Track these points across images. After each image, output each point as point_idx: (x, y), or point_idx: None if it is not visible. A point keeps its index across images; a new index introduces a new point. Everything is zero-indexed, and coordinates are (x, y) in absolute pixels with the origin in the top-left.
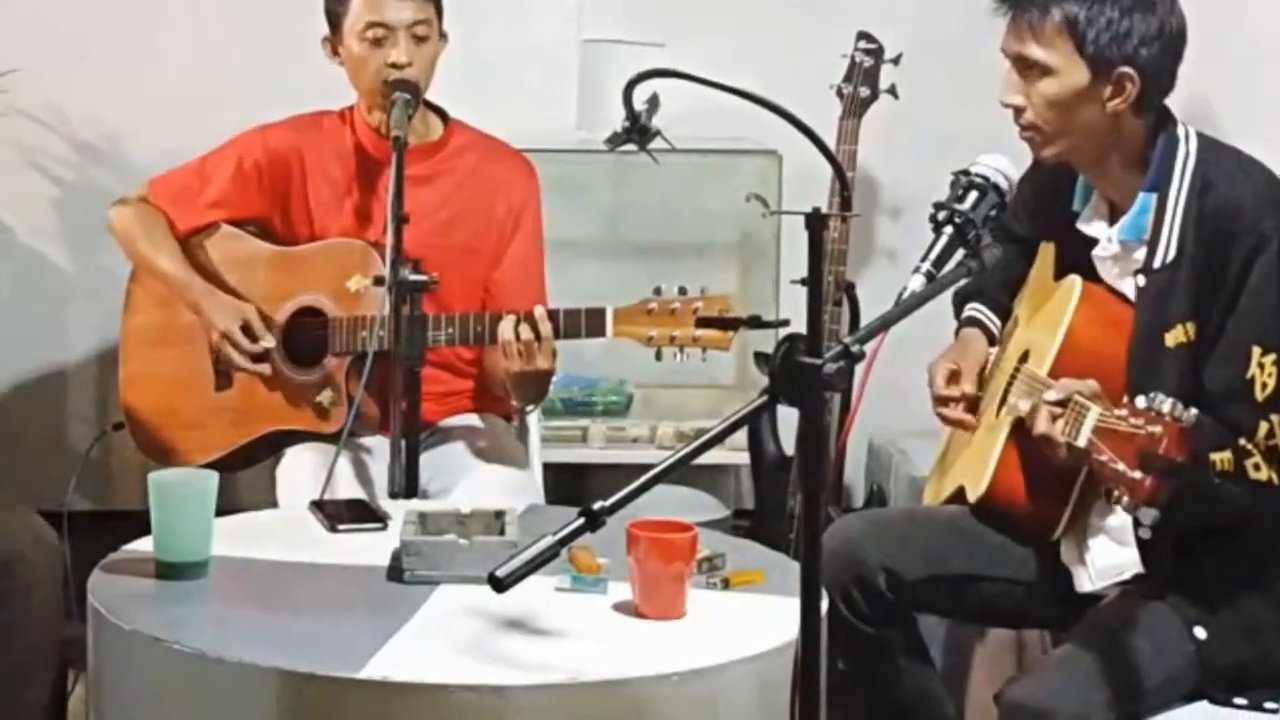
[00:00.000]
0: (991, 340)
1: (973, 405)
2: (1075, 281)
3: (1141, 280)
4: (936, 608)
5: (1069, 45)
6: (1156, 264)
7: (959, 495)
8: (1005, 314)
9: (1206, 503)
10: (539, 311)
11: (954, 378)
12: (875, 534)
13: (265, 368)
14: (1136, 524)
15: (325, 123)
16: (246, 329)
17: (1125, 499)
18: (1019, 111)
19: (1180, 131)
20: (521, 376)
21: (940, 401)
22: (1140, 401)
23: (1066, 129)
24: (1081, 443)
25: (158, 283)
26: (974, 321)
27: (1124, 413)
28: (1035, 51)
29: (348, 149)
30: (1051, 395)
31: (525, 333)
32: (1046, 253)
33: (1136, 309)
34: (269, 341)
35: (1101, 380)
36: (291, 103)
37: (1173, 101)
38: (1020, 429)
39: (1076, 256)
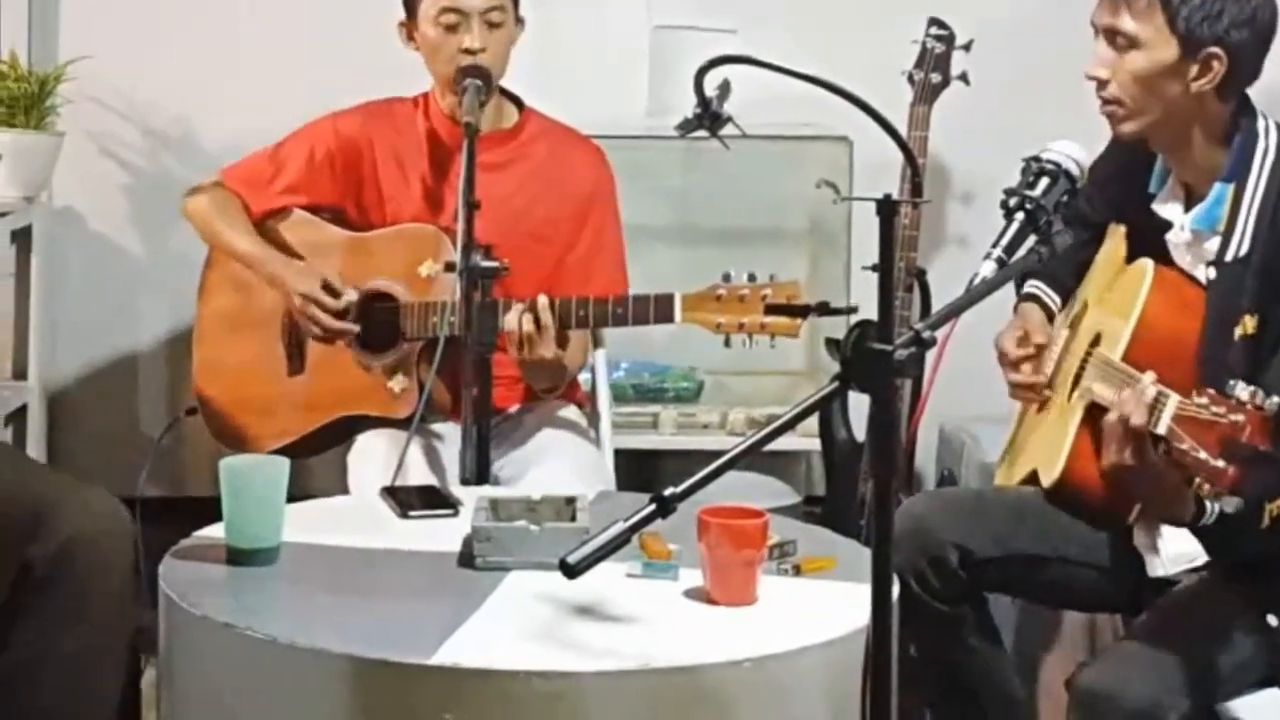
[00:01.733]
0: (1049, 316)
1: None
2: (1147, 265)
3: (1213, 273)
4: (1008, 588)
5: (1161, 20)
6: (1228, 257)
7: (1031, 478)
8: (1066, 294)
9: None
10: (541, 302)
11: (1023, 341)
12: (947, 513)
13: (351, 326)
14: (1198, 519)
15: (397, 109)
16: (327, 287)
17: (1207, 488)
18: (1102, 84)
19: (1261, 125)
20: (526, 365)
21: (1013, 366)
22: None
23: (1148, 105)
24: (1161, 430)
25: (233, 263)
26: (1032, 298)
27: (1204, 401)
28: (1127, 24)
29: (420, 135)
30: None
31: (528, 323)
32: (1117, 234)
33: (1207, 300)
34: (350, 295)
35: (1174, 366)
36: (366, 88)
37: (1256, 96)
38: (1094, 413)
39: (1149, 239)
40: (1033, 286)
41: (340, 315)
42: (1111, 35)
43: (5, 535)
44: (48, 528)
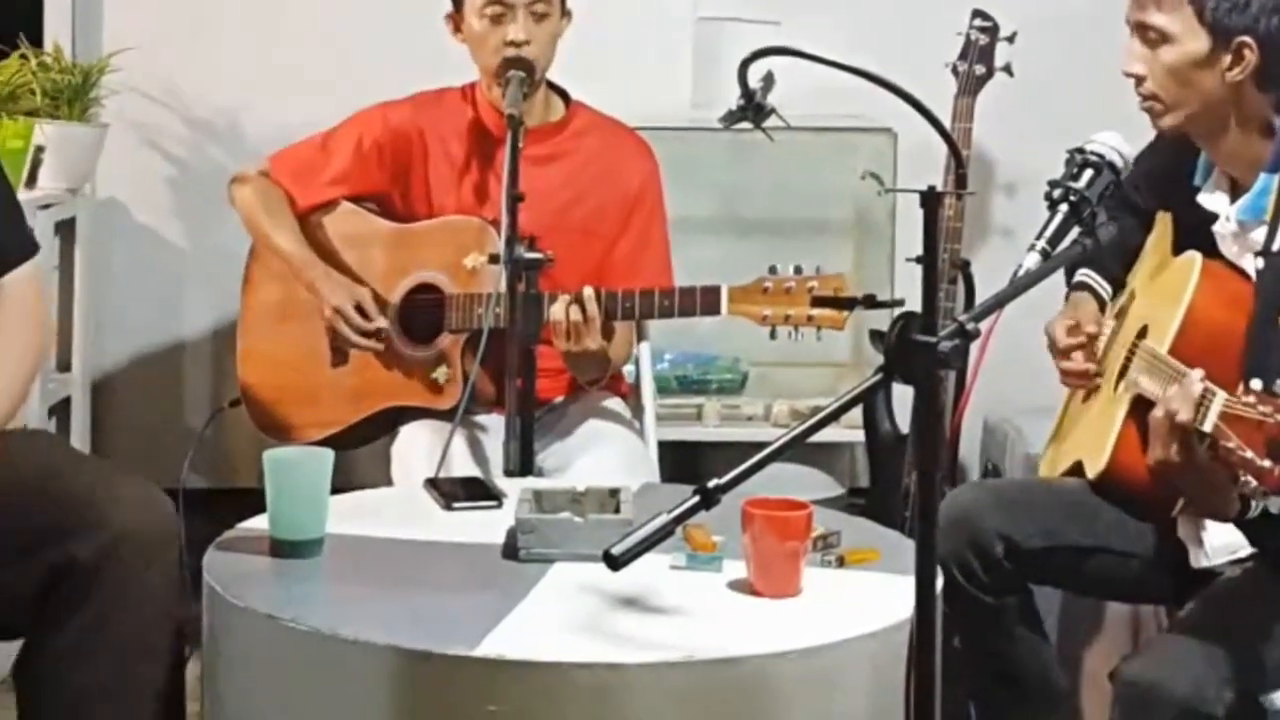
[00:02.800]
0: (1101, 306)
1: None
2: (1195, 258)
3: (1260, 263)
4: (1053, 579)
5: (1189, 12)
6: (1275, 247)
7: (1076, 469)
8: (1116, 283)
9: None
10: (587, 293)
11: (1074, 330)
12: (992, 503)
13: (377, 345)
14: (1242, 515)
15: (446, 100)
16: (360, 309)
17: (1253, 484)
18: (1139, 81)
19: None
20: (570, 356)
21: (1063, 354)
22: (1256, 384)
23: (1185, 98)
24: (1207, 427)
25: (276, 260)
26: (1084, 286)
27: (1251, 400)
28: (1156, 18)
29: (468, 126)
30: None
31: (574, 313)
32: (1164, 224)
33: (1256, 290)
34: (381, 322)
35: (1220, 359)
36: (412, 80)
37: None
38: (1140, 405)
39: (1195, 230)
40: (1084, 275)
41: (370, 335)
42: (1143, 31)
43: (53, 528)
44: (94, 521)
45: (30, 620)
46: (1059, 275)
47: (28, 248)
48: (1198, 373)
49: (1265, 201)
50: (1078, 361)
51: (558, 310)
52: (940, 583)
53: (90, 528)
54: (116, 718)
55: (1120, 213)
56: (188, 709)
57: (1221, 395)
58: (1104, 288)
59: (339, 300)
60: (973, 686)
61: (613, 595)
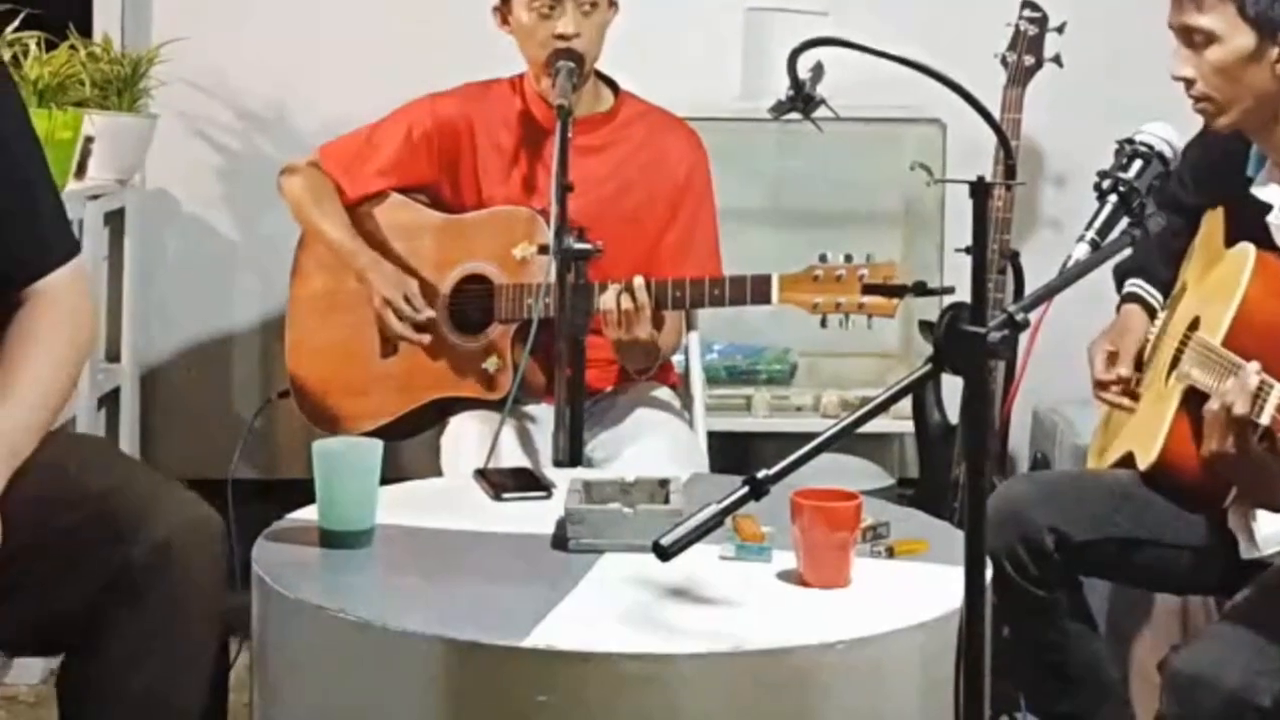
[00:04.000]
0: (1152, 315)
1: (1131, 391)
2: (1249, 250)
3: None
4: (1103, 571)
5: (1230, 9)
6: None
7: (1127, 460)
8: (1166, 289)
9: None
10: (638, 282)
11: (1112, 359)
12: (1042, 495)
13: (425, 337)
14: None
15: (494, 91)
16: (408, 300)
17: None
18: (1189, 84)
19: None
20: (620, 345)
21: (1099, 385)
22: None
23: (1238, 96)
24: (1265, 420)
25: (325, 250)
26: (1135, 298)
27: None
28: (1198, 20)
29: (516, 117)
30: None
31: (625, 302)
32: (1215, 218)
33: None
34: (429, 313)
35: (1276, 350)
36: (460, 71)
37: None
38: (1192, 397)
39: (1247, 222)
40: (1134, 285)
41: (419, 327)
42: (1187, 33)
43: (101, 539)
44: (143, 530)
45: (75, 633)
46: (1109, 266)
47: (71, 248)
48: (1254, 365)
49: None
50: (1113, 395)
51: (608, 299)
52: (989, 574)
53: (136, 538)
54: None
55: (1166, 211)
56: (236, 699)
57: (1279, 388)
58: (1154, 296)
59: (388, 291)
60: (1022, 678)
61: (662, 586)
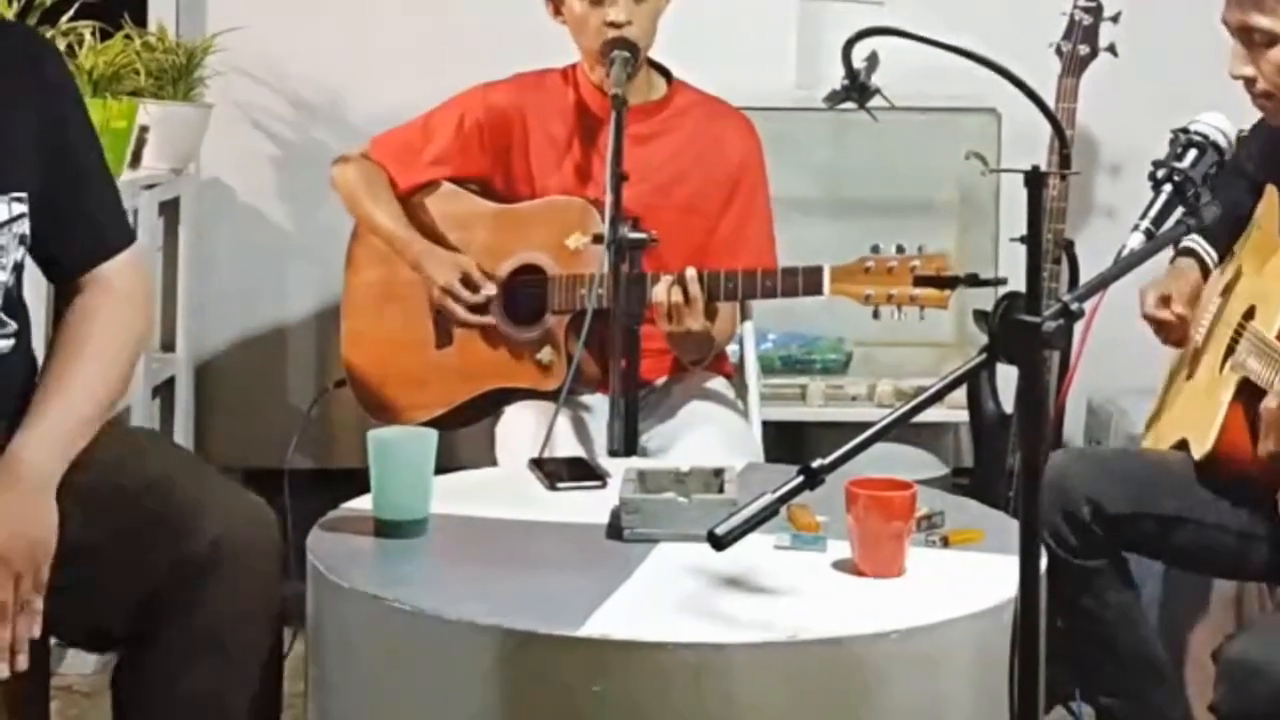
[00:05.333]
0: (1205, 272)
1: (1196, 352)
2: None
3: None
4: (1144, 547)
5: None
6: None
7: (1180, 447)
8: (1223, 251)
9: None
10: (689, 274)
11: (1165, 302)
12: (1084, 468)
13: (487, 319)
14: None
15: (547, 81)
16: (466, 280)
17: None
18: (1250, 82)
19: None
20: (673, 337)
21: (1148, 320)
22: None
23: None
24: None
25: (378, 240)
26: (1190, 252)
27: None
28: (1259, 20)
29: (569, 107)
30: None
31: (676, 295)
32: (1271, 200)
33: None
34: (490, 290)
35: None
36: (513, 61)
37: None
38: (1247, 387)
39: None
40: (1191, 241)
41: (478, 308)
42: (1246, 33)
43: (156, 534)
44: (197, 528)
45: (130, 631)
46: (1164, 255)
47: (128, 237)
48: None
49: None
50: (1165, 312)
51: (660, 291)
52: (1044, 561)
53: (193, 538)
54: None
55: (1233, 180)
56: (291, 688)
57: None
58: (1209, 254)
59: (446, 277)
60: (1072, 656)
61: (717, 575)
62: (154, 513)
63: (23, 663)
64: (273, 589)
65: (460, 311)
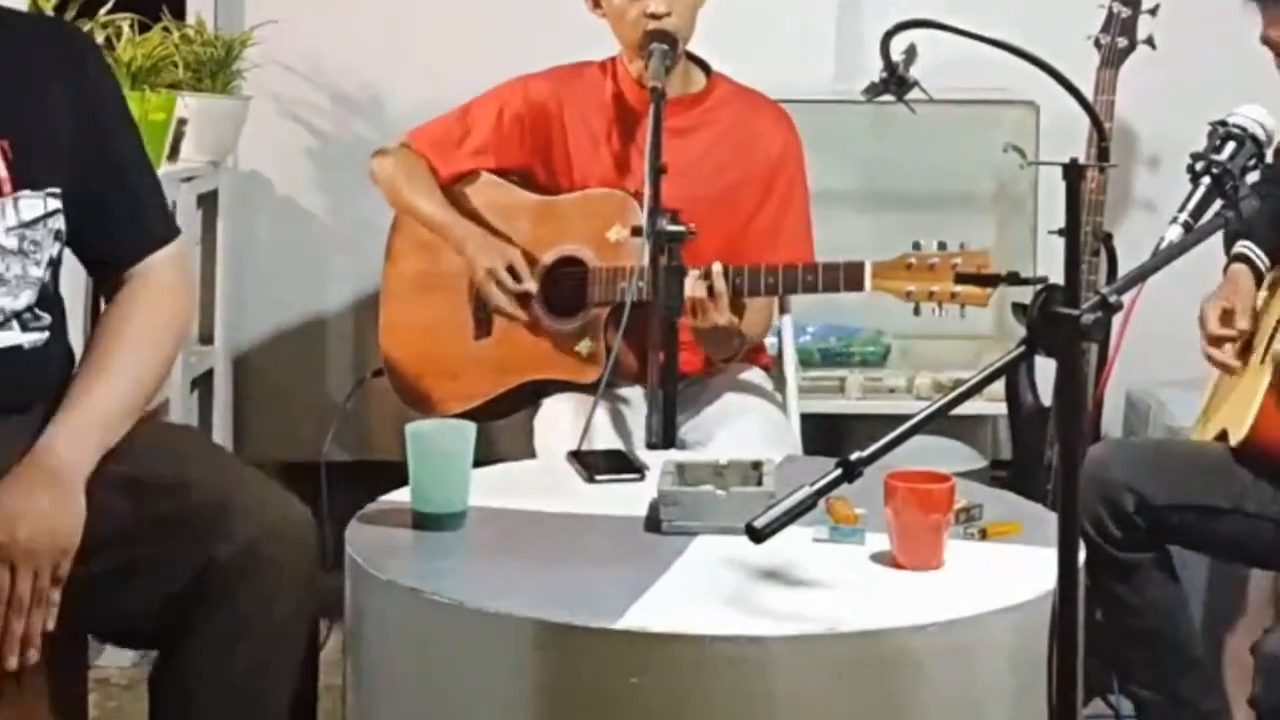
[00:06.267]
0: (1259, 278)
1: (1245, 344)
2: None
3: None
4: (1185, 538)
5: None
6: None
7: (1222, 438)
8: (1275, 255)
9: None
10: (716, 269)
11: (1227, 317)
12: (1126, 459)
13: (523, 315)
14: None
15: (586, 73)
16: (511, 270)
17: None
18: None
19: None
20: (699, 332)
21: (1213, 341)
22: None
23: None
24: None
25: (420, 228)
26: (1243, 258)
27: None
28: None
29: (608, 99)
30: None
31: (700, 290)
32: None
33: None
34: (531, 286)
35: None
36: (553, 54)
37: None
38: None
39: None
40: (1243, 247)
41: (520, 299)
42: None
43: (190, 531)
44: (232, 527)
45: (164, 629)
46: (1202, 248)
47: (171, 231)
48: None
49: None
50: (1226, 353)
51: (687, 286)
52: (1083, 556)
53: (227, 534)
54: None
55: (1274, 180)
56: (328, 681)
57: None
58: (1262, 260)
59: (491, 261)
60: (1109, 647)
61: (755, 568)
62: (189, 509)
63: (34, 656)
64: (307, 586)
65: (501, 298)
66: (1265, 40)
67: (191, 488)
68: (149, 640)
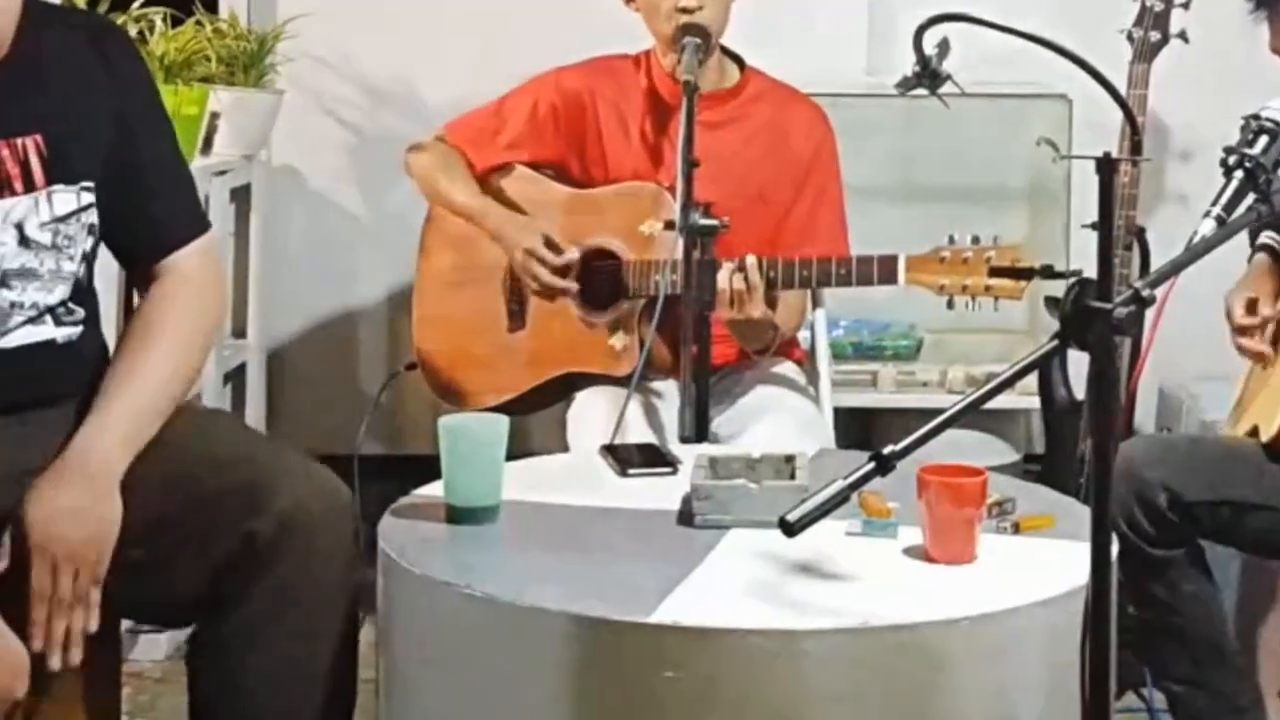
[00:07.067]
0: None
1: (1275, 339)
2: None
3: None
4: (1219, 534)
5: None
6: None
7: (1253, 434)
8: None
9: None
10: (750, 261)
11: (1252, 306)
12: (1159, 455)
13: (570, 284)
14: None
15: (619, 67)
16: (549, 244)
17: None
18: None
19: None
20: (734, 324)
21: (1240, 331)
22: None
23: None
24: None
25: (453, 220)
26: (1267, 249)
27: None
28: None
29: (641, 93)
30: None
31: (737, 282)
32: None
33: None
34: (572, 252)
35: None
36: (586, 48)
37: None
38: None
39: None
40: (1268, 237)
41: (561, 272)
42: None
43: (228, 510)
44: (269, 502)
45: (205, 604)
46: (1234, 242)
47: (202, 225)
48: None
49: None
50: (1255, 342)
51: (721, 278)
52: (1115, 549)
53: (264, 509)
54: (292, 695)
55: None
56: (361, 675)
57: None
58: None
59: (529, 241)
60: (1143, 642)
61: (788, 562)
62: (226, 485)
63: (76, 656)
64: (347, 555)
65: (544, 274)
66: (1275, 50)
67: (226, 465)
68: (187, 618)
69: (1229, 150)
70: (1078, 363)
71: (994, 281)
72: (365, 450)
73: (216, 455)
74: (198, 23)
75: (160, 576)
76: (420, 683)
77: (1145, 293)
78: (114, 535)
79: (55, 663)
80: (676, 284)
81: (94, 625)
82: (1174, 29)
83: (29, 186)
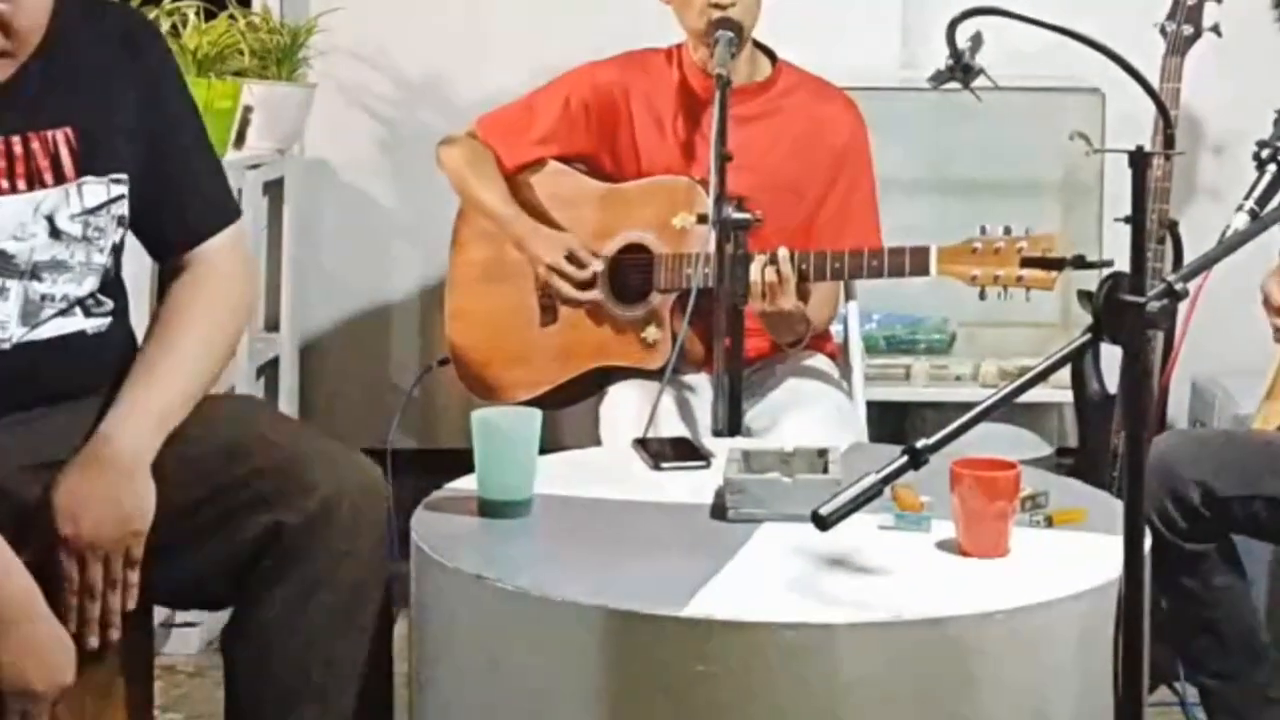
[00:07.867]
0: None
1: None
2: None
3: None
4: (1253, 529)
5: None
6: None
7: None
8: None
9: None
10: (782, 253)
11: None
12: (1193, 450)
13: (594, 295)
14: None
15: (652, 60)
16: (572, 258)
17: None
18: None
19: None
20: (766, 317)
21: (1277, 312)
22: None
23: None
24: None
25: (485, 220)
26: None
27: None
28: None
29: (673, 87)
30: None
31: (770, 274)
32: None
33: None
34: (596, 265)
35: None
36: (618, 42)
37: None
38: None
39: None
40: None
41: (585, 285)
42: None
43: (261, 494)
44: (303, 486)
45: (239, 589)
46: (1267, 235)
47: (231, 215)
48: None
49: None
50: None
51: (754, 271)
52: (1148, 544)
53: (299, 493)
54: (327, 682)
55: None
56: (395, 669)
57: None
58: None
59: (551, 256)
60: (1175, 636)
61: (821, 555)
62: (260, 470)
63: (114, 634)
64: (381, 540)
65: (567, 289)
66: None
67: (259, 450)
68: (223, 601)
69: (1262, 144)
70: (1111, 356)
71: (1026, 272)
72: (398, 444)
73: (252, 440)
74: (231, 16)
75: (192, 560)
76: (452, 675)
77: (1178, 286)
78: (147, 520)
79: (93, 643)
80: (709, 278)
81: (131, 604)
82: (1207, 23)
83: (59, 179)
